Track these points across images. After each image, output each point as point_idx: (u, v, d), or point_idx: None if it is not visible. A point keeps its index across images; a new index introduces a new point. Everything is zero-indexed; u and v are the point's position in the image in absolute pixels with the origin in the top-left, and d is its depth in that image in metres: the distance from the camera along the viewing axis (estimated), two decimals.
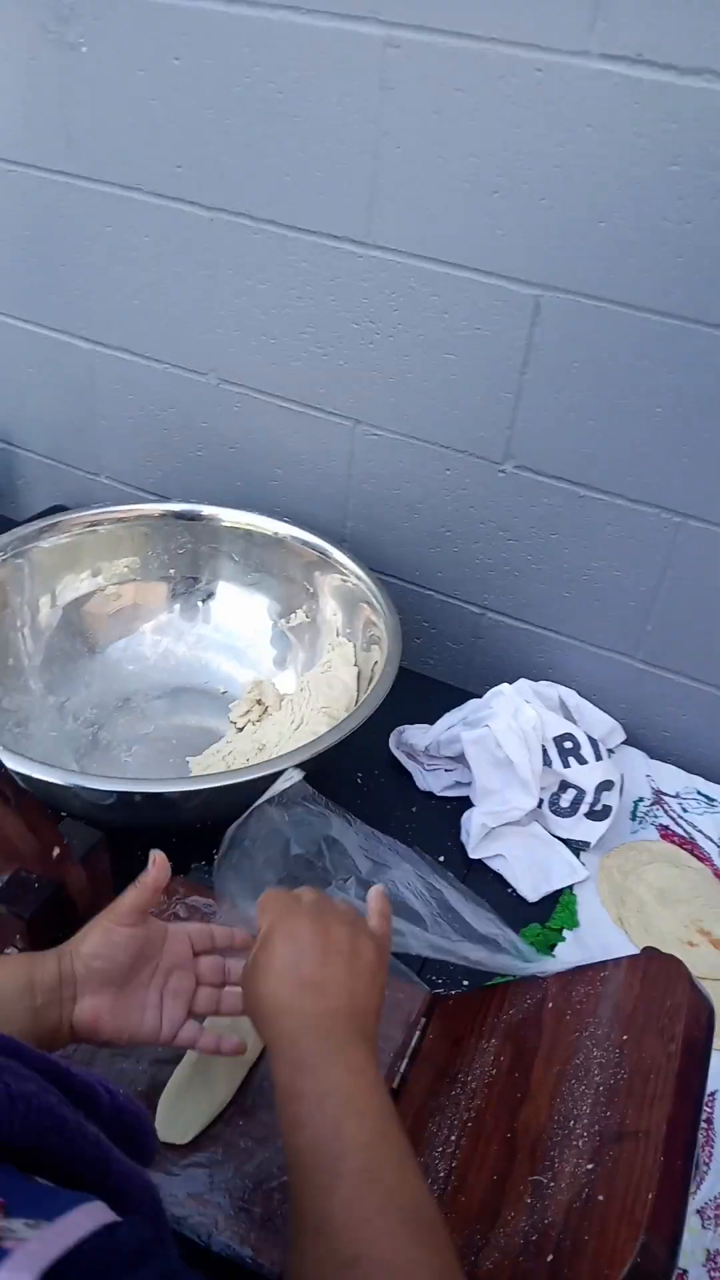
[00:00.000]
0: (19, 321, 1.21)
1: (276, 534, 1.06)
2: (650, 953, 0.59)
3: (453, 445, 1.00)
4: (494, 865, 0.91)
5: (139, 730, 1.02)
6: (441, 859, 0.91)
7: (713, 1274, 0.62)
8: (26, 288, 1.18)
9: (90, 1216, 0.30)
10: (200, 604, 1.08)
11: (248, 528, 1.06)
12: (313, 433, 1.08)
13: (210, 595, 1.08)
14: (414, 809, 0.97)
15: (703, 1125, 0.64)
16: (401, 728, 1.02)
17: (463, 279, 0.91)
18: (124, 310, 1.13)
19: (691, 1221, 0.66)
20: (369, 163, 0.90)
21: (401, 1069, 0.66)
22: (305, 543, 1.04)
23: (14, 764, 0.74)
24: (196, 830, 0.87)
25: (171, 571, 1.08)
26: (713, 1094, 0.71)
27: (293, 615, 1.06)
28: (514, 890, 0.89)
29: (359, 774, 1.00)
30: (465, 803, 0.96)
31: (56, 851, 0.62)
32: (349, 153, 0.91)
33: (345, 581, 1.01)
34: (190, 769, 0.95)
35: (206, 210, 1.02)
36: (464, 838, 0.93)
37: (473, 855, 0.91)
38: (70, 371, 1.21)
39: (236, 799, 0.82)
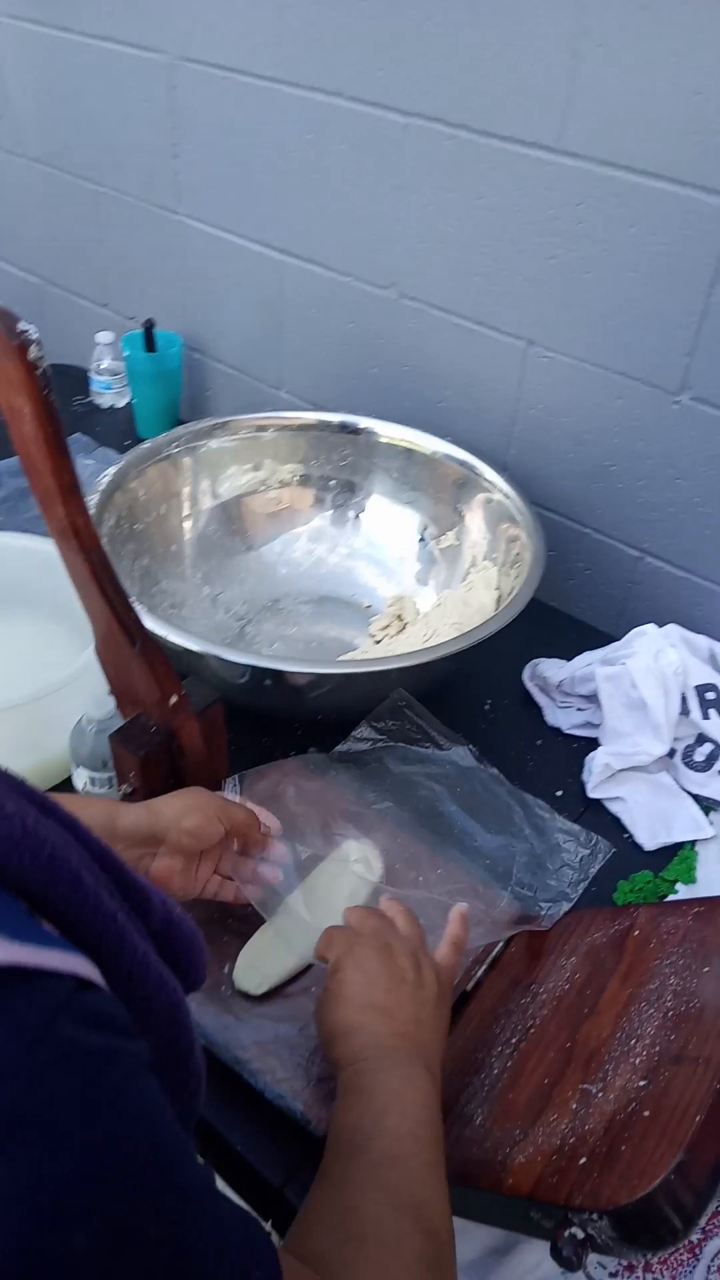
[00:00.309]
0: (220, 231, 1.25)
1: (435, 453, 1.05)
2: None
3: (626, 372, 0.96)
4: (613, 808, 0.88)
5: (283, 631, 1.05)
6: (559, 793, 0.89)
7: None
8: (229, 198, 1.22)
9: (65, 962, 0.30)
10: (354, 515, 1.10)
11: (408, 445, 1.06)
12: (485, 353, 1.06)
13: (364, 508, 1.09)
14: (538, 742, 0.95)
15: None
16: (537, 660, 1.00)
17: (654, 189, 0.86)
18: (316, 221, 1.14)
19: None
20: (567, 62, 0.86)
21: (478, 974, 0.66)
22: (462, 463, 1.02)
23: (154, 625, 0.78)
24: (318, 721, 0.89)
25: (331, 481, 1.10)
26: None
27: (442, 537, 1.05)
28: (630, 836, 0.86)
29: (488, 701, 0.99)
30: (592, 744, 0.93)
31: (174, 699, 0.65)
32: (547, 51, 0.87)
33: (495, 501, 0.99)
34: None
35: (402, 116, 1.01)
36: (585, 775, 0.90)
37: (591, 794, 0.88)
38: (262, 283, 1.24)
39: (361, 689, 0.83)
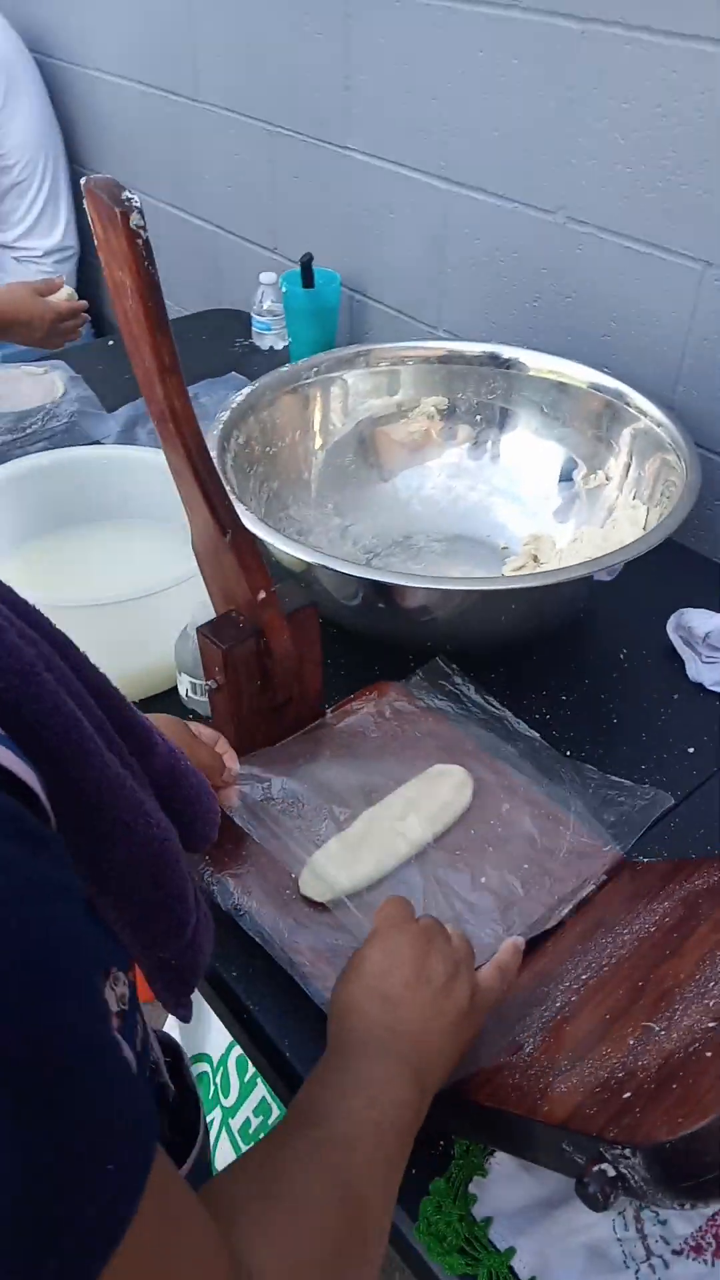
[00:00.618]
0: (387, 163, 1.22)
1: (584, 382, 0.98)
2: None
3: None
4: None
5: (409, 568, 1.01)
6: (691, 750, 0.81)
7: None
8: (397, 128, 1.19)
9: None
10: (493, 449, 1.04)
11: (556, 375, 1.00)
12: (656, 278, 0.98)
13: (505, 442, 1.04)
14: (675, 696, 0.86)
15: None
16: (684, 610, 0.91)
17: None
18: (484, 145, 1.09)
19: None
20: None
21: (563, 913, 0.60)
22: (613, 392, 0.95)
23: (263, 531, 0.77)
24: (431, 651, 0.85)
25: (474, 415, 1.05)
26: None
27: (589, 474, 0.98)
28: None
29: (623, 650, 0.91)
30: None
31: (262, 595, 0.63)
32: None
33: (648, 431, 0.91)
34: None
35: (579, 22, 0.94)
36: None
37: None
38: (426, 216, 1.20)
39: (480, 615, 0.79)
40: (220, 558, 0.64)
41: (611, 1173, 0.38)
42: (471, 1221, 0.53)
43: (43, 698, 0.31)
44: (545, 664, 0.89)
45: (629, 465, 0.93)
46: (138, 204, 0.55)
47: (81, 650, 0.37)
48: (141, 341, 0.59)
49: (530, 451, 1.02)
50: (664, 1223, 0.53)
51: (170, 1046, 0.59)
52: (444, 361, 1.04)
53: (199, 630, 0.65)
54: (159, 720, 0.60)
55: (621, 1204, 0.49)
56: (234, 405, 0.93)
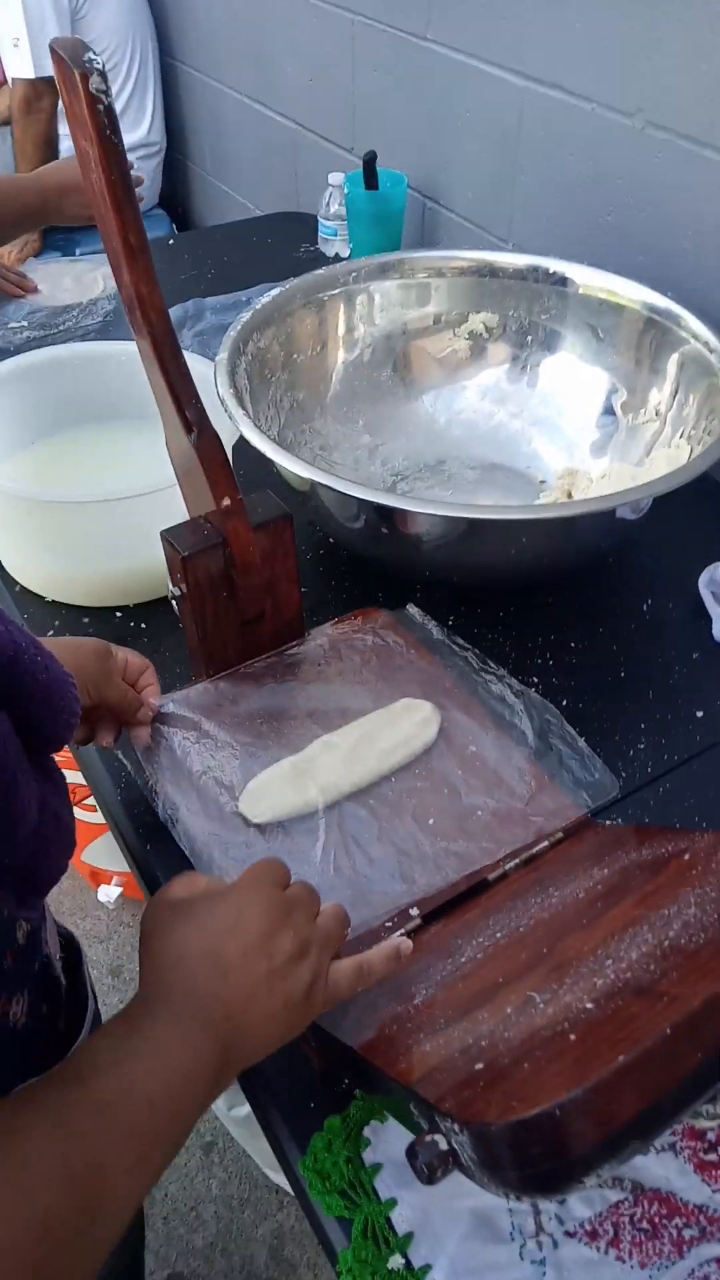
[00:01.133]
0: (464, 56, 1.13)
1: (636, 300, 0.89)
2: None
3: None
4: None
5: (437, 495, 0.96)
6: (700, 714, 0.75)
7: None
8: (477, 17, 1.09)
9: None
10: (534, 373, 0.97)
11: (606, 293, 0.91)
12: None
13: (548, 366, 0.96)
14: (694, 655, 0.80)
15: None
16: (717, 564, 0.84)
17: None
18: (563, 37, 0.99)
19: None
20: None
21: (506, 867, 0.56)
22: (671, 316, 0.86)
23: (262, 443, 0.73)
24: (439, 583, 0.81)
25: (528, 337, 0.97)
26: None
27: (635, 407, 0.90)
28: None
29: (647, 601, 0.85)
30: None
31: (226, 502, 0.60)
32: None
33: (698, 357, 0.83)
34: None
35: None
36: None
37: None
38: (501, 116, 1.11)
39: (489, 547, 0.74)
40: (189, 459, 0.61)
41: (444, 1146, 0.35)
42: (359, 1165, 0.51)
43: None
44: (560, 608, 0.83)
45: (675, 394, 0.85)
46: (99, 66, 0.51)
47: None
48: (108, 218, 0.55)
49: (573, 377, 0.95)
50: (562, 1202, 0.50)
51: (71, 944, 0.59)
52: (488, 275, 0.96)
53: (162, 534, 0.63)
54: (72, 643, 0.59)
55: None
56: (257, 307, 0.88)
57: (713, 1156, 0.52)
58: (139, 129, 1.83)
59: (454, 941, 0.50)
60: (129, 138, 1.83)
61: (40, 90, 1.66)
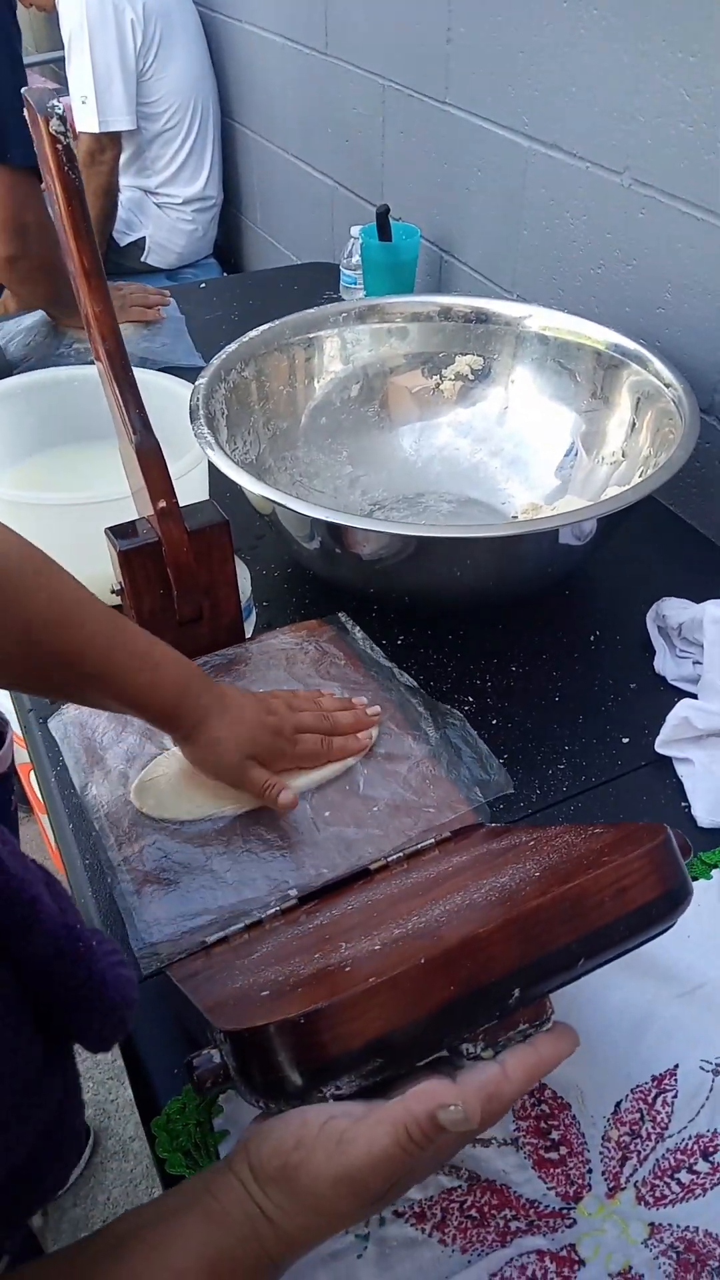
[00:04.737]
0: (478, 119, 1.20)
1: (601, 341, 0.93)
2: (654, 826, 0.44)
3: None
4: (680, 769, 0.74)
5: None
6: (625, 740, 0.76)
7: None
8: (490, 82, 1.16)
9: None
10: (507, 414, 1.01)
11: (570, 335, 0.95)
12: (716, 251, 0.92)
13: (519, 406, 1.00)
14: (631, 686, 0.82)
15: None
16: (665, 599, 0.86)
17: None
18: (560, 98, 1.05)
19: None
20: None
21: (389, 859, 0.59)
22: (627, 353, 0.90)
23: (227, 468, 0.78)
24: (393, 603, 0.84)
25: (509, 378, 1.02)
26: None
27: (603, 448, 0.93)
28: (687, 806, 0.71)
29: (595, 632, 0.87)
30: None
31: (161, 504, 0.65)
32: None
33: (658, 400, 0.86)
34: None
35: None
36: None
37: (659, 748, 0.75)
38: (508, 174, 1.17)
39: (437, 566, 0.77)
40: (134, 463, 0.66)
41: (217, 1059, 0.38)
42: (208, 1130, 0.53)
43: None
44: (508, 634, 0.86)
45: (638, 437, 0.88)
46: (60, 110, 0.57)
47: None
48: (69, 245, 0.62)
49: (542, 417, 0.98)
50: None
51: None
52: (455, 320, 1.02)
53: (105, 530, 0.68)
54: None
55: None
56: (246, 339, 0.94)
57: (553, 1155, 0.53)
58: (195, 183, 1.94)
59: (312, 915, 0.52)
60: (185, 192, 1.95)
61: (105, 144, 1.79)
